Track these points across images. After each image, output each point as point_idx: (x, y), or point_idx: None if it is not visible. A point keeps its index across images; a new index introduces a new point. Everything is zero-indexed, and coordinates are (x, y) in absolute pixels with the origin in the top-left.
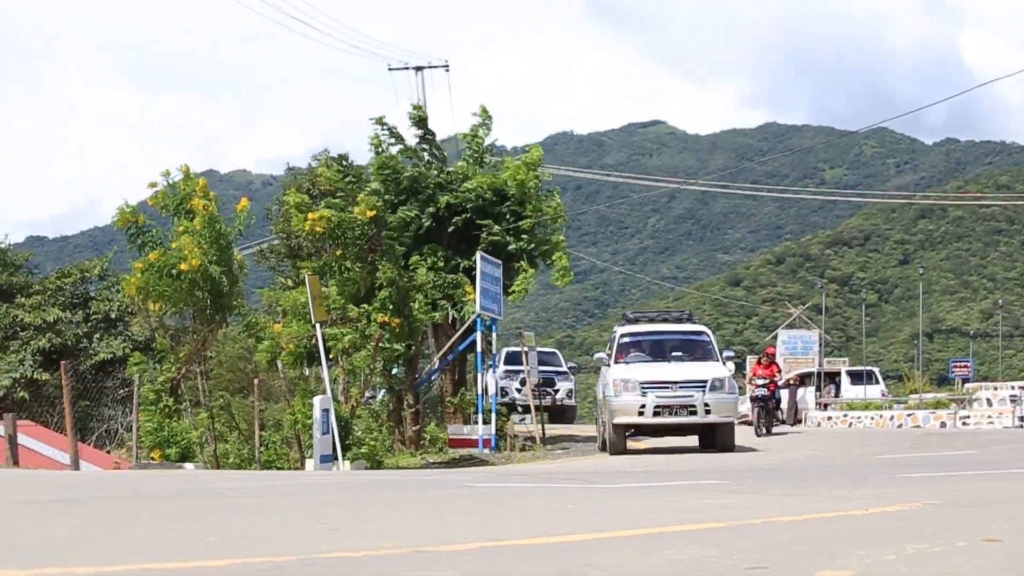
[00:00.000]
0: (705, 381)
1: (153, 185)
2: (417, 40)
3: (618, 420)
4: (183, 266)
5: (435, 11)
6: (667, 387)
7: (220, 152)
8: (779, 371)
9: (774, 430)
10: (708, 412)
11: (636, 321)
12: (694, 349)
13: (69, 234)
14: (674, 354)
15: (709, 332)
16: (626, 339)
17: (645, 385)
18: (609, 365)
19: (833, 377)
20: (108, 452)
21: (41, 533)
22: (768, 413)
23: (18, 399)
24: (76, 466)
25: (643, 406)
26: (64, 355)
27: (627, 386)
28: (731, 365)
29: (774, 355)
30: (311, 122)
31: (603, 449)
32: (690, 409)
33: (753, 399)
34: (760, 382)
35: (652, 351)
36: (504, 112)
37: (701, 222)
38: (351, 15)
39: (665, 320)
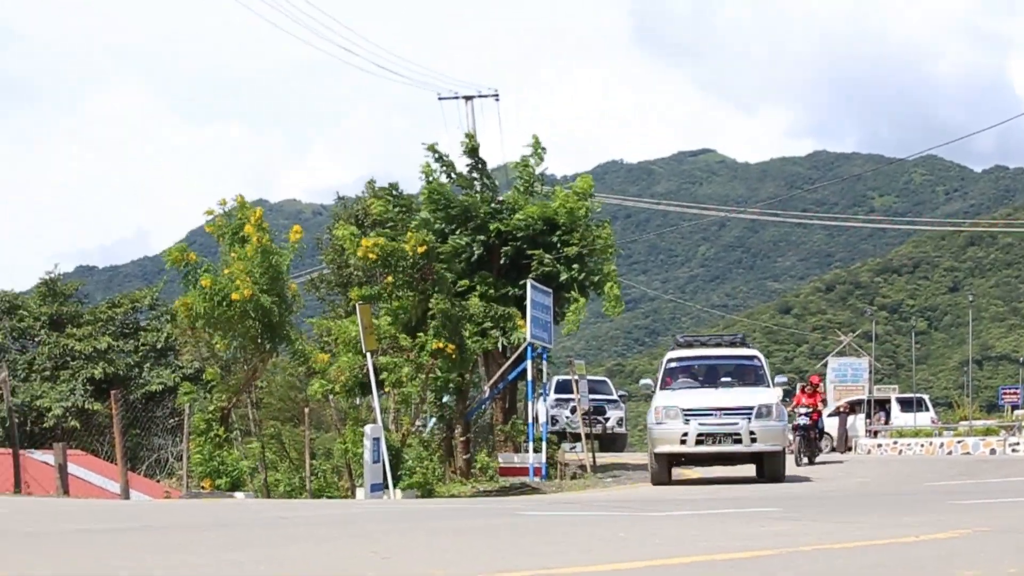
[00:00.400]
0: (751, 408)
1: (210, 212)
2: (467, 70)
3: (659, 449)
4: (235, 295)
5: (485, 41)
6: (711, 414)
7: (270, 182)
8: (823, 400)
9: (817, 459)
10: (754, 440)
11: (688, 345)
12: (744, 374)
13: (119, 263)
14: (723, 380)
15: (761, 357)
16: (673, 364)
17: (688, 412)
18: (655, 391)
19: (883, 404)
20: (158, 481)
21: (93, 562)
22: (810, 442)
23: (68, 428)
24: (126, 495)
25: (685, 434)
26: (114, 384)
27: (669, 413)
28: (779, 392)
29: (818, 384)
30: (360, 151)
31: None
32: (735, 437)
33: (795, 428)
34: (804, 411)
35: (700, 376)
36: (553, 141)
37: (751, 250)
38: (402, 45)
39: (718, 344)
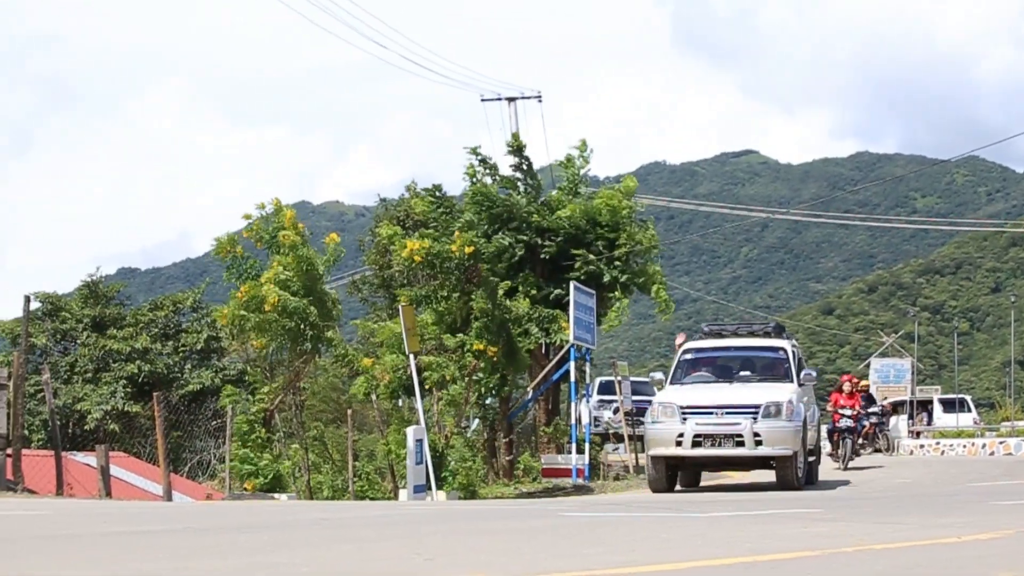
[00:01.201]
0: (758, 406)
1: (247, 217)
2: (510, 72)
3: (654, 451)
4: (267, 305)
5: (528, 43)
6: (711, 413)
7: (312, 184)
8: (868, 399)
9: (851, 463)
10: (759, 443)
11: (717, 335)
12: (768, 368)
13: (161, 266)
14: (741, 374)
15: (790, 348)
16: (688, 356)
17: (686, 410)
18: (664, 386)
19: (925, 405)
20: (200, 483)
21: (134, 564)
22: (853, 445)
23: (109, 431)
24: (169, 497)
25: (681, 435)
26: (156, 386)
27: (666, 411)
28: (797, 389)
29: (856, 383)
30: (402, 153)
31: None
32: (737, 439)
33: (840, 431)
34: (848, 412)
35: (717, 370)
36: (596, 142)
37: (794, 251)
38: (444, 47)
39: (751, 333)
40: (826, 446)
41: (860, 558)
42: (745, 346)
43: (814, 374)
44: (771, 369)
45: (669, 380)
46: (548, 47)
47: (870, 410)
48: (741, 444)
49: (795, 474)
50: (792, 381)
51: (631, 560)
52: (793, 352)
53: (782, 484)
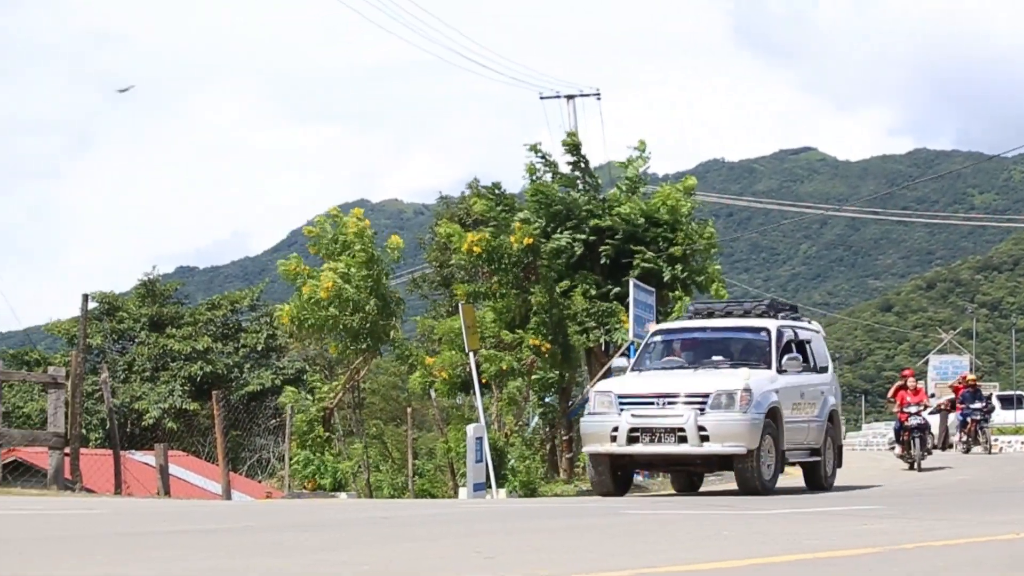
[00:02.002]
0: (707, 395)
1: (310, 232)
2: (568, 69)
3: (587, 448)
4: (323, 293)
5: (585, 41)
6: (651, 403)
7: (371, 182)
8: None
9: (924, 462)
10: (705, 439)
11: (701, 314)
12: (746, 351)
13: (220, 264)
14: (714, 358)
15: (775, 329)
16: (657, 338)
17: (624, 400)
18: (624, 373)
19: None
20: (260, 482)
21: (191, 563)
22: (923, 444)
23: (168, 430)
24: (228, 496)
25: (616, 428)
26: (214, 385)
27: (603, 401)
28: (748, 376)
29: (914, 378)
30: (461, 151)
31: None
32: (679, 434)
33: (909, 429)
34: (914, 409)
35: (691, 355)
36: (655, 139)
37: (852, 248)
38: (503, 45)
39: (740, 313)
40: (898, 447)
41: (920, 555)
42: (721, 327)
43: (800, 358)
44: (749, 353)
45: (631, 366)
46: (607, 44)
47: (974, 405)
48: (684, 440)
49: (758, 476)
50: (770, 367)
51: (692, 558)
52: (780, 333)
53: (742, 487)
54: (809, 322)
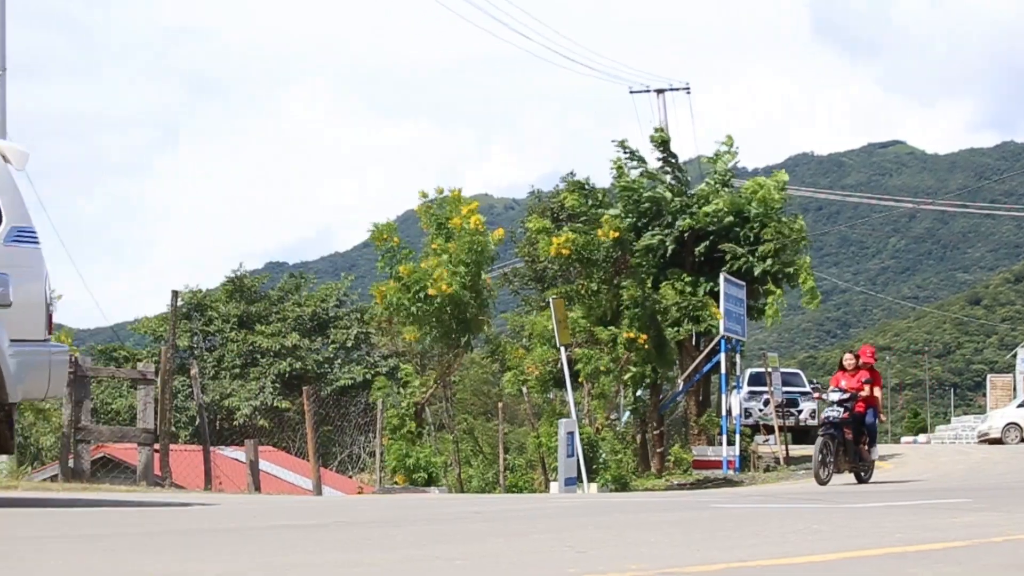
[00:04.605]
0: None
1: (424, 195)
2: (656, 64)
3: None
4: (432, 291)
5: (676, 35)
6: None
7: (459, 177)
8: (873, 383)
9: (868, 476)
10: None
11: None
12: None
13: (309, 260)
14: None
15: None
16: None
17: None
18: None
19: None
20: (351, 477)
21: (286, 557)
22: (844, 447)
23: (258, 426)
24: (319, 491)
25: None
26: (305, 381)
27: None
28: None
29: (872, 361)
30: (550, 146)
31: None
32: None
33: (822, 424)
34: (837, 396)
35: None
36: (744, 133)
37: (941, 241)
38: (592, 40)
39: None
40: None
41: (1010, 548)
42: None
43: None
44: None
45: None
46: (694, 39)
47: None
48: None
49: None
50: None
51: (783, 552)
52: None
53: None
54: None
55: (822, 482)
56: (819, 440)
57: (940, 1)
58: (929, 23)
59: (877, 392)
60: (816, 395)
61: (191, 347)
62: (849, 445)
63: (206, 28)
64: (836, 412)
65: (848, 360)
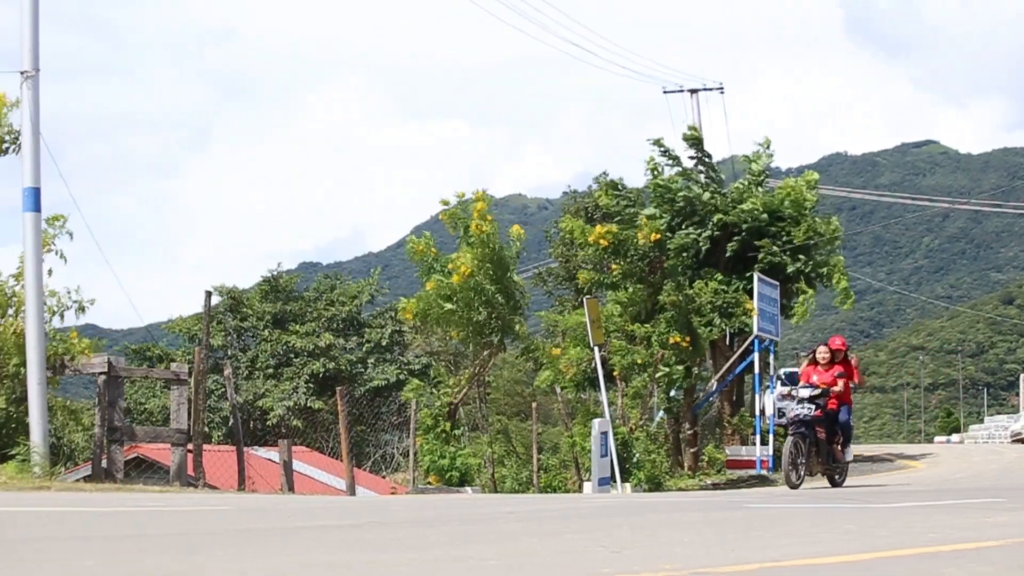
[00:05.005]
0: None
1: (445, 203)
2: (690, 64)
3: None
4: (455, 278)
5: (709, 36)
6: None
7: (492, 178)
8: (850, 376)
9: (841, 480)
10: None
11: None
12: None
13: (343, 260)
14: None
15: None
16: None
17: None
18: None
19: None
20: (384, 477)
21: (320, 556)
22: (817, 447)
23: (291, 426)
24: (352, 491)
25: None
26: (338, 381)
27: None
28: None
29: (843, 349)
30: (584, 146)
31: None
32: None
33: (792, 423)
34: (807, 392)
35: None
36: (777, 133)
37: (974, 241)
38: (627, 40)
39: None
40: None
41: None
42: None
43: None
44: None
45: None
46: (728, 40)
47: None
48: None
49: None
50: None
51: (816, 551)
52: None
53: None
54: None
55: (794, 486)
56: (788, 440)
57: (971, 0)
58: (961, 22)
59: (857, 380)
60: (784, 392)
61: (226, 347)
62: (822, 445)
63: (238, 29)
64: (807, 410)
65: (822, 354)
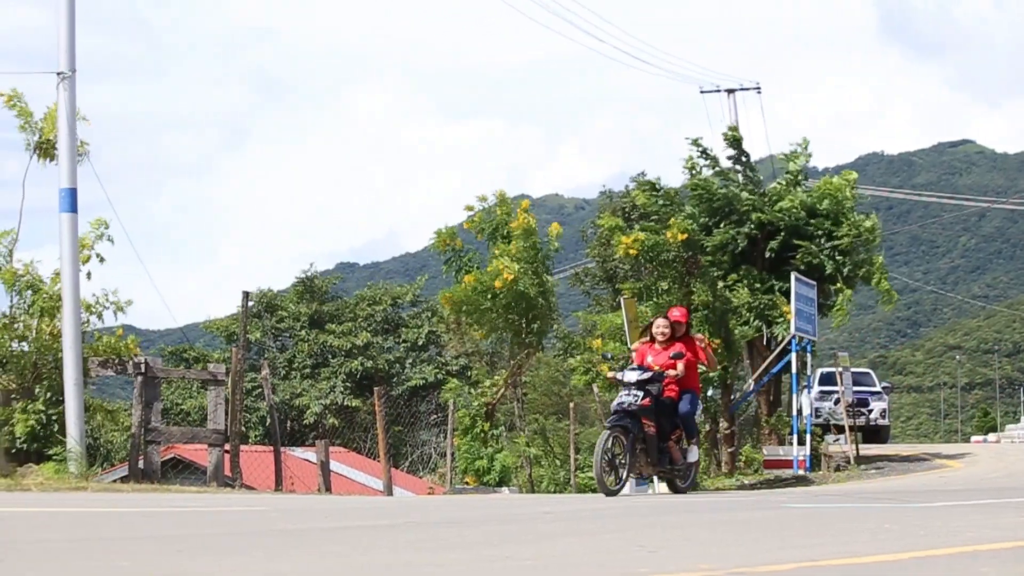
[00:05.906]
0: None
1: (470, 208)
2: (727, 63)
3: None
4: (497, 283)
5: (746, 36)
6: None
7: (529, 177)
8: (694, 360)
9: (685, 486)
10: None
11: None
12: None
13: (380, 260)
14: None
15: None
16: None
17: None
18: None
19: None
20: (421, 477)
21: (356, 557)
22: (645, 444)
23: (329, 426)
24: (390, 492)
25: None
26: (376, 380)
27: None
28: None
29: (684, 322)
30: (620, 146)
31: None
32: None
33: (612, 413)
34: (634, 375)
35: None
36: (814, 133)
37: (1011, 240)
38: (663, 40)
39: None
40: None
41: None
42: None
43: None
44: None
45: None
46: (764, 39)
47: None
48: None
49: None
50: None
51: (853, 551)
52: None
53: None
54: None
55: (610, 492)
56: (603, 435)
57: (1006, 2)
58: (995, 22)
59: (704, 361)
60: (611, 376)
61: (262, 347)
62: (651, 442)
63: (273, 28)
64: (632, 398)
65: (660, 328)
